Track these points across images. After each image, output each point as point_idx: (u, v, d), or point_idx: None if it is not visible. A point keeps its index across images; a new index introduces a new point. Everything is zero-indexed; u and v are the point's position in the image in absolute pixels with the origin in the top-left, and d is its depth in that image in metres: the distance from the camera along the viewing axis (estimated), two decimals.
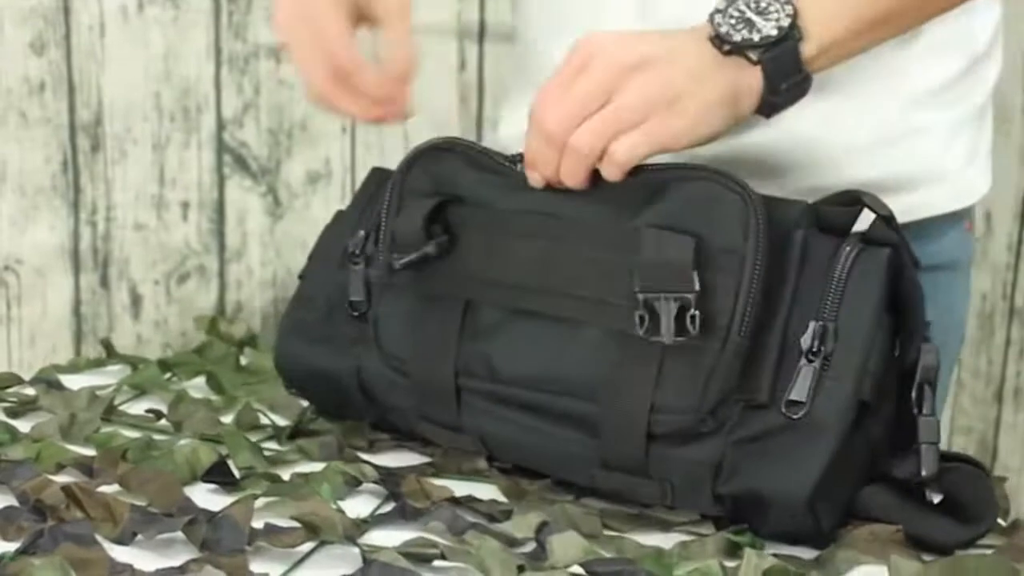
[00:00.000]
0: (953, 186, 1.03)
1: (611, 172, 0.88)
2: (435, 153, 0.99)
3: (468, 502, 0.89)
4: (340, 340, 1.01)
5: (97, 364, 1.23)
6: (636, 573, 0.79)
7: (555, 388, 0.89)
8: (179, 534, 0.81)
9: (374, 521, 0.86)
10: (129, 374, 1.17)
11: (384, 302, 0.99)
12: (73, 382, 1.14)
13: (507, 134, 1.19)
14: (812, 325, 0.83)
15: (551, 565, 0.79)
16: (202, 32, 1.54)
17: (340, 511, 0.85)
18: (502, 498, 0.92)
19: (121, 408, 1.08)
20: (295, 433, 1.03)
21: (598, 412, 0.87)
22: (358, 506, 0.89)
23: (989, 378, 1.80)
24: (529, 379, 0.91)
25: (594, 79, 0.87)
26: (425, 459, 0.99)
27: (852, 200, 0.88)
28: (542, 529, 0.83)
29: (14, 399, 1.09)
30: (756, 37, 0.88)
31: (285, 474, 0.94)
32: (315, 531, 0.82)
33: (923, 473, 0.82)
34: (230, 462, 0.94)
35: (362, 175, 1.62)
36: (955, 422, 1.77)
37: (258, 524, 0.82)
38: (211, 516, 0.83)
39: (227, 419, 1.05)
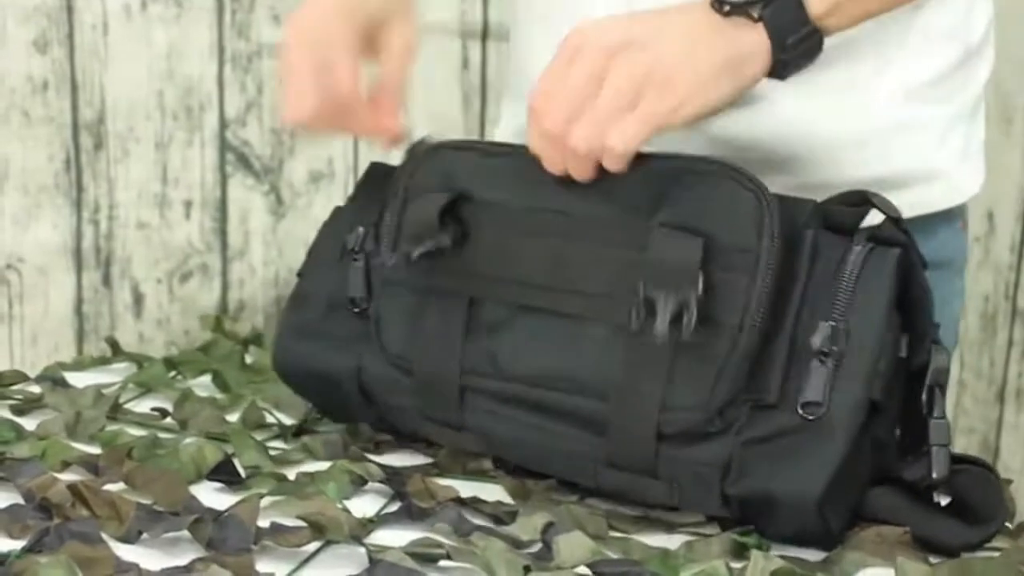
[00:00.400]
0: (947, 183, 1.04)
1: (613, 165, 0.87)
2: (443, 151, 0.98)
3: (473, 503, 0.89)
4: (340, 338, 1.00)
5: (102, 362, 1.23)
6: (642, 574, 0.79)
7: (562, 386, 0.89)
8: (185, 533, 0.81)
9: (380, 521, 0.86)
10: (134, 372, 1.17)
11: (385, 298, 0.98)
12: (78, 380, 1.14)
13: (505, 128, 1.19)
14: (823, 325, 0.83)
15: (557, 566, 0.79)
16: (205, 31, 1.54)
17: (346, 510, 0.85)
18: (508, 499, 0.92)
19: (127, 406, 1.08)
20: (300, 431, 1.03)
21: (606, 410, 0.87)
22: (364, 505, 0.89)
23: (991, 379, 1.80)
24: (535, 377, 0.90)
25: (583, 69, 0.86)
26: (429, 459, 0.99)
27: (860, 200, 0.88)
28: (548, 530, 0.83)
29: (19, 397, 1.09)
30: None
31: (291, 473, 0.94)
32: (321, 531, 0.82)
33: (934, 476, 0.82)
34: (235, 461, 0.94)
35: None
36: (957, 423, 1.77)
37: (264, 523, 0.82)
38: (217, 515, 0.83)
39: (232, 417, 1.05)
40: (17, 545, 0.79)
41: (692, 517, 0.88)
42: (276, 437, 1.03)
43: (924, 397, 0.84)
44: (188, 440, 0.98)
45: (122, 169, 1.55)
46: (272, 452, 0.98)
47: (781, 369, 0.83)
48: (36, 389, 1.12)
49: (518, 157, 0.92)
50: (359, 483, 0.92)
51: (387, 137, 1.02)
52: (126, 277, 1.57)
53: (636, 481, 0.88)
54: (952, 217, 1.05)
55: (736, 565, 0.79)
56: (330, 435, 1.01)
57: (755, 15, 0.87)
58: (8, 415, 1.05)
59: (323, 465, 0.94)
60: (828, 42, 0.92)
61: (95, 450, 0.97)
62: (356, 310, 1.00)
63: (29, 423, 1.02)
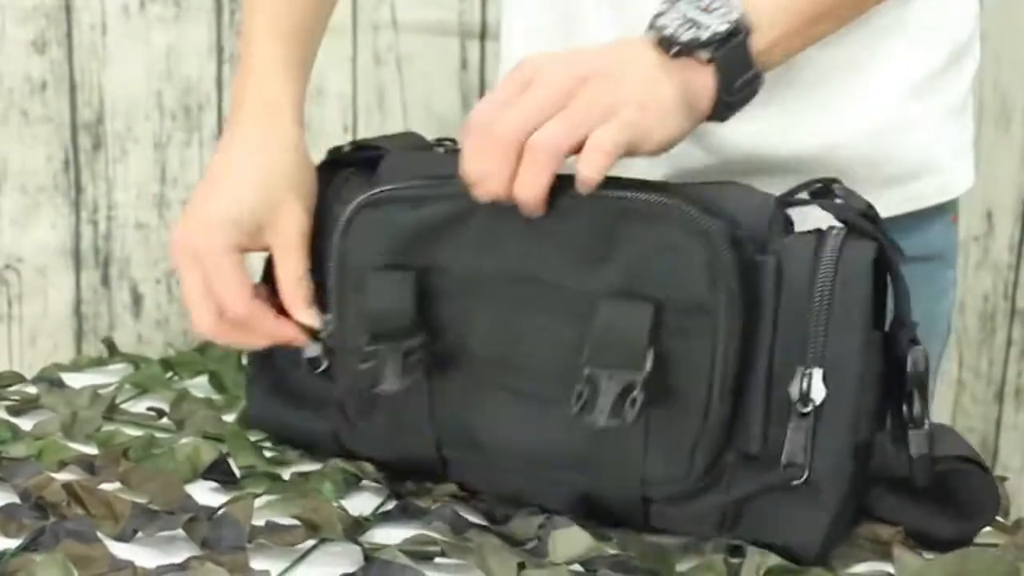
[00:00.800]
0: (941, 178, 1.04)
1: (595, 164, 0.79)
2: (370, 211, 0.88)
3: (469, 500, 0.89)
4: (311, 399, 0.96)
5: (99, 363, 1.23)
6: (637, 570, 0.78)
7: (542, 461, 0.86)
8: (180, 531, 0.81)
9: (376, 520, 0.86)
10: (131, 373, 1.17)
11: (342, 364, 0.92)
12: (75, 380, 1.14)
13: None
14: (798, 373, 0.77)
15: (552, 562, 0.79)
16: (204, 31, 1.55)
17: (342, 509, 0.85)
18: None
19: (123, 407, 1.08)
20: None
21: (587, 481, 0.85)
22: (359, 505, 0.89)
23: (990, 378, 1.80)
24: (516, 452, 0.87)
25: (545, 90, 0.80)
26: None
27: (823, 189, 0.84)
28: (543, 526, 0.83)
29: (16, 397, 1.09)
30: (704, 35, 0.83)
31: (286, 473, 0.94)
32: (315, 529, 0.82)
33: (918, 483, 0.81)
34: (231, 461, 0.94)
35: None
36: (956, 422, 1.77)
37: (259, 522, 0.82)
38: (211, 514, 0.83)
39: (229, 418, 1.05)
40: (13, 544, 0.80)
41: None
42: (271, 438, 1.03)
43: (904, 406, 0.81)
44: (184, 440, 0.98)
45: (121, 169, 1.55)
46: (267, 453, 0.98)
47: (760, 422, 0.79)
48: (33, 390, 1.12)
49: (455, 201, 0.84)
50: (354, 482, 0.92)
51: (297, 341, 0.93)
52: (125, 277, 1.57)
53: (632, 533, 0.85)
54: (944, 211, 1.06)
55: (733, 560, 0.79)
56: None
57: (704, 57, 0.84)
58: (5, 415, 1.05)
59: (318, 465, 0.94)
60: (817, 51, 0.92)
61: (91, 450, 0.97)
62: (316, 371, 0.95)
63: (25, 423, 1.02)
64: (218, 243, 0.91)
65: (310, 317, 0.92)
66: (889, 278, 0.81)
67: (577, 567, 0.79)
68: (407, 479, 0.92)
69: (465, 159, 0.81)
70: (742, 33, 0.84)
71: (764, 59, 0.86)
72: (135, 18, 1.53)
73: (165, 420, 1.05)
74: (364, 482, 0.92)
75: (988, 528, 0.86)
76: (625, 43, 0.85)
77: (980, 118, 1.09)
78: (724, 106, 0.86)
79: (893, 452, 0.83)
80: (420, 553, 0.79)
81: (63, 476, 0.90)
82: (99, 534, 0.80)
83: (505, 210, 0.81)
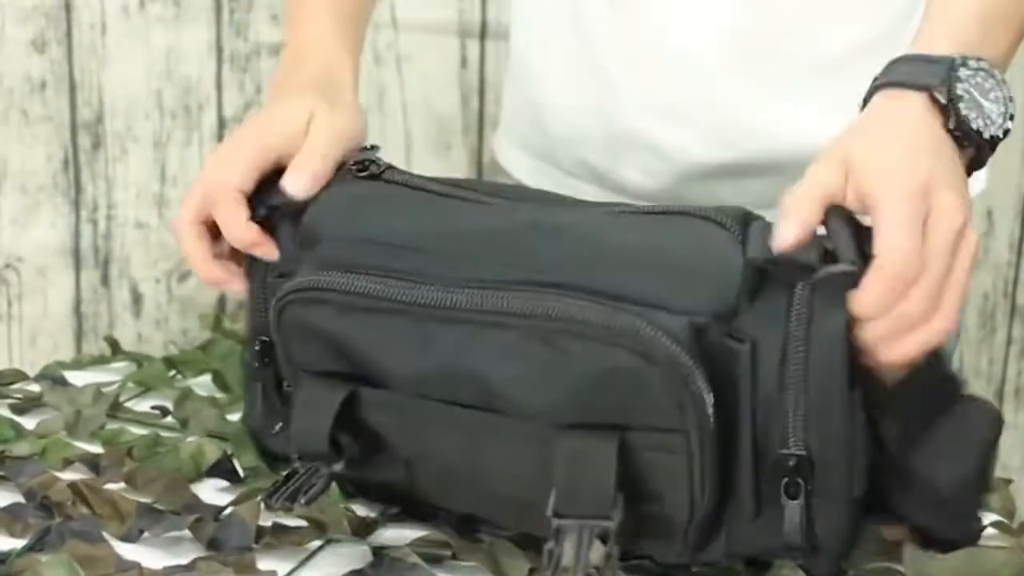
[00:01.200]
0: None
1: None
2: (296, 309, 0.81)
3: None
4: None
5: (102, 361, 1.22)
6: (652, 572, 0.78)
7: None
8: (186, 532, 0.81)
9: (383, 520, 0.86)
10: (134, 371, 1.17)
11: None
12: (78, 379, 1.13)
13: (506, 134, 1.20)
14: (785, 455, 0.73)
15: (564, 567, 0.79)
16: (203, 30, 1.54)
17: (349, 510, 0.85)
18: None
19: (126, 405, 1.08)
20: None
21: None
22: (367, 506, 0.89)
23: (990, 377, 1.80)
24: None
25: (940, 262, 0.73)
26: None
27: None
28: None
29: (19, 396, 1.09)
30: (990, 131, 0.78)
31: None
32: (323, 529, 0.82)
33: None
34: (235, 460, 0.94)
35: None
36: None
37: (265, 523, 0.82)
38: (218, 514, 0.82)
39: (233, 416, 1.05)
40: (18, 544, 0.79)
41: None
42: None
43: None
44: (189, 439, 0.98)
45: (121, 168, 1.55)
46: None
47: (751, 501, 0.75)
48: (35, 388, 1.11)
49: (390, 303, 0.78)
50: None
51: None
52: (125, 277, 1.57)
53: None
54: None
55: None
56: None
57: (968, 146, 0.79)
58: (8, 414, 1.05)
59: None
60: (835, 50, 0.91)
61: (95, 449, 0.97)
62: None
63: (29, 422, 1.02)
64: (234, 157, 0.89)
65: (301, 180, 0.86)
66: None
67: (590, 570, 0.78)
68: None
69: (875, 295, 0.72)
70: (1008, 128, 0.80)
71: None
72: (135, 18, 1.53)
73: (169, 419, 1.05)
74: None
75: (993, 531, 0.86)
76: (926, 139, 0.77)
77: None
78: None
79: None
80: (430, 554, 0.79)
81: (68, 475, 0.89)
82: (105, 534, 0.80)
83: (443, 311, 0.76)
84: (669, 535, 0.76)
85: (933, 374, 0.76)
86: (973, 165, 0.80)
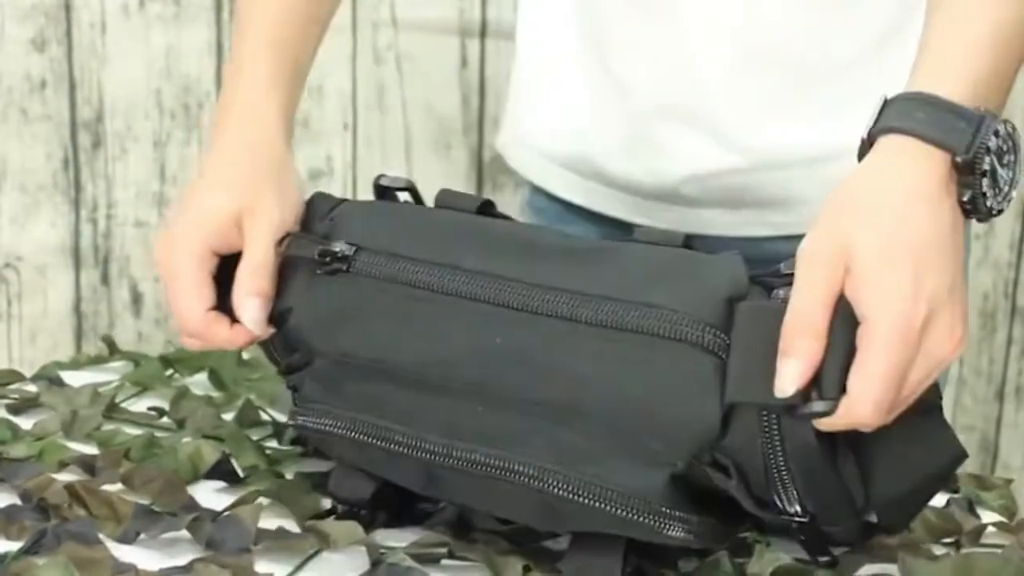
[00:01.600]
0: None
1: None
2: (316, 437, 0.87)
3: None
4: None
5: (98, 361, 1.22)
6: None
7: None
8: (183, 533, 0.81)
9: (380, 523, 0.86)
10: (130, 371, 1.17)
11: None
12: (74, 379, 1.13)
13: (509, 135, 1.19)
14: (787, 519, 0.75)
15: (559, 567, 0.79)
16: (203, 29, 1.54)
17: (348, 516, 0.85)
18: None
19: (123, 405, 1.08)
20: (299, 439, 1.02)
21: None
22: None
23: (991, 377, 1.80)
24: None
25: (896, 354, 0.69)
26: None
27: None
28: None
29: (15, 396, 1.09)
30: (996, 208, 0.74)
31: (289, 472, 0.94)
32: (320, 531, 0.82)
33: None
34: (233, 461, 0.94)
35: (364, 172, 1.63)
36: (956, 420, 1.77)
37: (262, 525, 0.82)
38: (216, 515, 0.82)
39: (229, 416, 1.05)
40: (14, 546, 0.79)
41: None
42: (272, 436, 1.02)
43: None
44: (185, 440, 0.98)
45: (120, 167, 1.55)
46: (268, 451, 0.98)
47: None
48: (32, 388, 1.11)
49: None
50: None
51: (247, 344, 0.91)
52: (124, 276, 1.57)
53: None
54: None
55: (738, 560, 0.79)
56: None
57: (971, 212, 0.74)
58: (4, 414, 1.04)
59: (321, 464, 0.94)
60: (833, 59, 0.91)
61: (92, 450, 0.96)
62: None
63: (25, 422, 1.02)
64: (183, 250, 0.89)
65: (251, 308, 0.88)
66: None
67: None
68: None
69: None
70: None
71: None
72: (134, 17, 1.52)
73: (165, 419, 1.05)
74: None
75: (993, 528, 0.86)
76: (928, 201, 0.72)
77: None
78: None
79: None
80: (426, 555, 0.79)
81: (64, 477, 0.89)
82: (101, 536, 0.80)
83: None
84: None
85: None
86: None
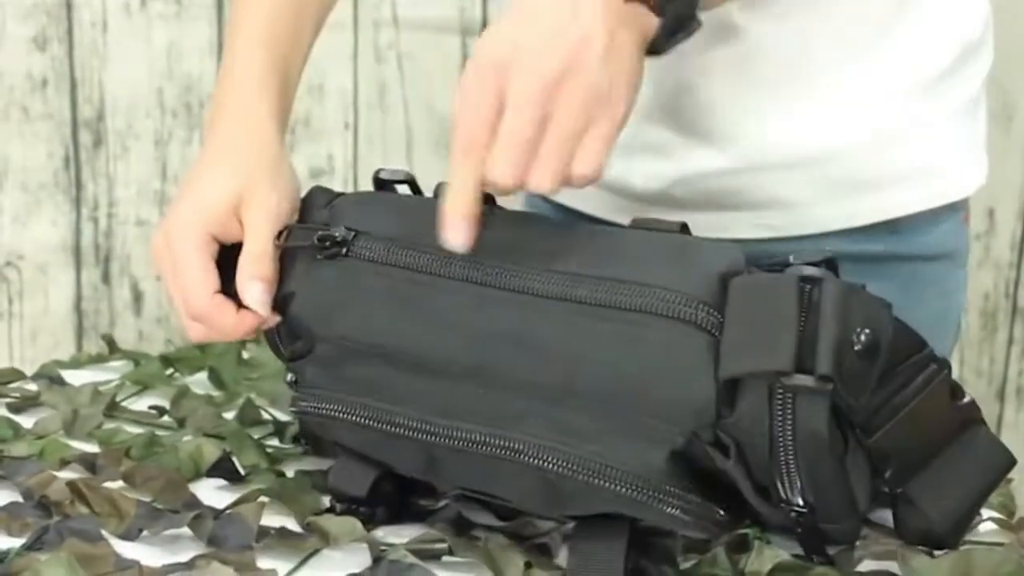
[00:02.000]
0: (950, 178, 1.04)
1: (583, 184, 0.78)
2: (317, 422, 0.87)
3: (476, 498, 0.88)
4: None
5: (99, 360, 1.23)
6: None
7: None
8: (186, 530, 0.81)
9: (380, 520, 0.86)
10: (131, 370, 1.17)
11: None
12: (75, 378, 1.13)
13: None
14: (786, 508, 0.75)
15: (559, 563, 0.79)
16: (204, 28, 1.54)
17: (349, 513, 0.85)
18: None
19: (123, 404, 1.08)
20: (301, 436, 1.02)
21: None
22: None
23: (991, 377, 1.80)
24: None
25: (525, 115, 0.76)
26: None
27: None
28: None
29: (16, 395, 1.09)
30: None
31: (289, 471, 0.94)
32: (322, 528, 0.82)
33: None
34: (234, 459, 0.94)
35: (364, 171, 1.63)
36: None
37: (264, 522, 0.82)
38: (218, 513, 0.82)
39: (229, 415, 1.05)
40: (17, 543, 0.79)
41: None
42: (272, 435, 1.02)
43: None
44: (186, 438, 0.98)
45: (121, 166, 1.55)
46: (268, 450, 0.98)
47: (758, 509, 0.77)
48: (33, 387, 1.11)
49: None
50: None
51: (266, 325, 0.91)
52: (125, 274, 1.57)
53: None
54: (955, 210, 1.06)
55: (736, 556, 0.79)
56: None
57: (654, 4, 0.80)
58: (5, 413, 1.05)
59: (322, 462, 0.94)
60: (820, 48, 0.91)
61: (93, 448, 0.97)
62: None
63: (26, 421, 1.02)
64: (184, 236, 0.90)
65: (254, 291, 0.88)
66: None
67: None
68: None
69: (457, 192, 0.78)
70: None
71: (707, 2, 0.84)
72: (136, 15, 1.52)
73: (166, 418, 1.05)
74: None
75: (992, 526, 0.86)
76: None
77: None
78: (654, 52, 0.83)
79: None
80: (427, 552, 0.79)
81: (65, 475, 0.89)
82: (104, 533, 0.80)
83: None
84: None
85: (937, 409, 0.77)
86: (683, 16, 0.81)
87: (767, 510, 0.76)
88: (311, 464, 0.95)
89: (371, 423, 0.82)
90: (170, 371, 1.18)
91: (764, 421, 0.72)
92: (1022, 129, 1.69)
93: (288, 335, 0.90)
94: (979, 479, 0.79)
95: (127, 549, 0.79)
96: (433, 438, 0.80)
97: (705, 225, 1.05)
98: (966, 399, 0.79)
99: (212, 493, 0.89)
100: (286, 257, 0.90)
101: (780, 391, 0.71)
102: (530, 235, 0.81)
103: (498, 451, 0.77)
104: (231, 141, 0.94)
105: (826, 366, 0.69)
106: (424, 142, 1.63)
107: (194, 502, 0.86)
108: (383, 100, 1.62)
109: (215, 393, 1.12)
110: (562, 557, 0.79)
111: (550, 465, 0.75)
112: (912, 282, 1.03)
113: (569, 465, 0.75)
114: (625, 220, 0.83)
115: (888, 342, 0.72)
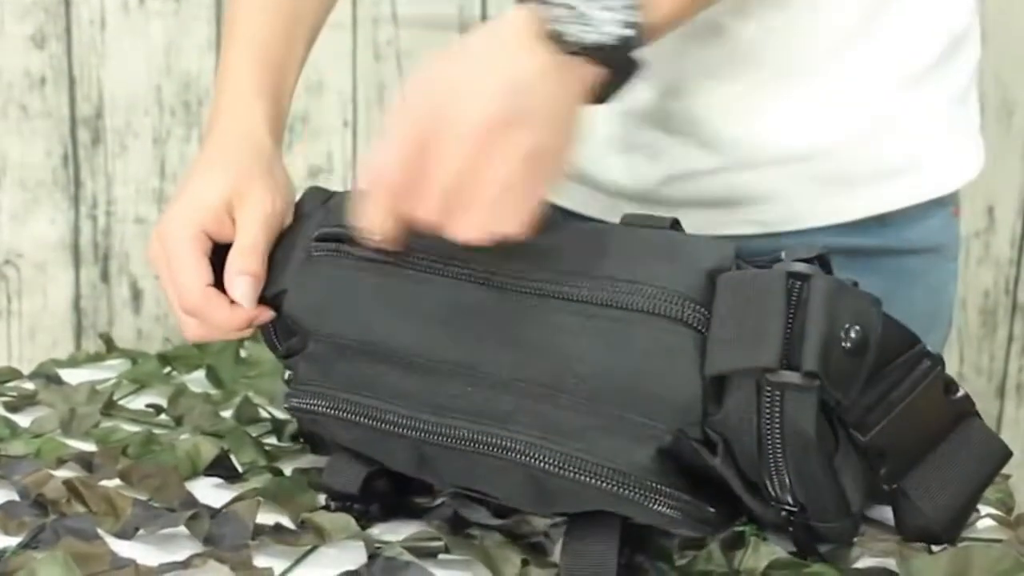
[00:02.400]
0: (939, 172, 1.04)
1: (512, 235, 0.76)
2: (310, 419, 0.87)
3: (472, 496, 0.88)
4: None
5: (97, 358, 1.23)
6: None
7: None
8: (182, 528, 0.81)
9: (375, 518, 0.86)
10: (128, 368, 1.17)
11: None
12: (72, 376, 1.13)
13: None
14: (776, 506, 0.75)
15: (555, 561, 0.79)
16: (203, 25, 1.54)
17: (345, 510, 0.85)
18: None
19: (121, 402, 1.08)
20: (299, 434, 1.02)
21: None
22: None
23: (991, 374, 1.80)
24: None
25: (453, 163, 0.74)
26: None
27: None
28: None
29: (14, 393, 1.09)
30: (606, 38, 0.75)
31: (287, 468, 0.94)
32: (318, 526, 0.82)
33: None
34: (232, 457, 0.94)
35: None
36: None
37: (261, 521, 0.82)
38: (214, 511, 0.82)
39: (227, 413, 1.05)
40: (13, 541, 0.79)
41: None
42: (270, 433, 1.02)
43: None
44: (183, 436, 0.98)
45: (120, 164, 1.55)
46: (267, 448, 0.98)
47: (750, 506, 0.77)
48: (30, 386, 1.11)
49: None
50: None
51: (244, 330, 0.91)
52: (124, 273, 1.57)
53: None
54: (944, 203, 1.06)
55: (733, 553, 0.79)
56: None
57: (601, 60, 0.77)
58: (2, 412, 1.05)
59: (319, 460, 0.94)
60: (806, 46, 0.92)
61: (90, 447, 0.97)
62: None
63: (23, 419, 1.02)
64: (177, 231, 0.90)
65: (241, 285, 0.89)
66: None
67: None
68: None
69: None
70: (640, 33, 0.77)
71: (652, 36, 0.80)
72: (134, 13, 1.52)
73: (163, 416, 1.05)
74: None
75: (991, 523, 0.86)
76: (509, 41, 0.76)
77: (981, 112, 1.09)
78: (599, 100, 0.80)
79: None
80: (423, 549, 0.79)
81: (62, 473, 0.89)
82: (100, 531, 0.80)
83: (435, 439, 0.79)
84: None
85: (932, 405, 0.76)
86: (629, 70, 0.78)
87: (759, 508, 0.75)
88: (309, 462, 0.95)
89: (362, 420, 0.82)
90: (167, 369, 1.18)
91: (752, 418, 0.72)
92: (1022, 126, 1.68)
93: (283, 332, 0.91)
94: (975, 472, 0.79)
95: (123, 548, 0.79)
96: (422, 435, 0.79)
97: (696, 223, 1.05)
98: (960, 393, 0.79)
99: (208, 491, 0.89)
100: (281, 254, 0.90)
101: (767, 388, 0.71)
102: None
103: (485, 448, 0.77)
104: (226, 143, 0.96)
105: (812, 363, 0.69)
106: None
107: (191, 500, 0.86)
108: (382, 99, 1.62)
109: (213, 391, 1.12)
110: (558, 555, 0.79)
111: (537, 462, 0.75)
112: (902, 276, 1.03)
113: (556, 462, 0.75)
114: (616, 219, 0.83)
115: (878, 339, 0.72)
